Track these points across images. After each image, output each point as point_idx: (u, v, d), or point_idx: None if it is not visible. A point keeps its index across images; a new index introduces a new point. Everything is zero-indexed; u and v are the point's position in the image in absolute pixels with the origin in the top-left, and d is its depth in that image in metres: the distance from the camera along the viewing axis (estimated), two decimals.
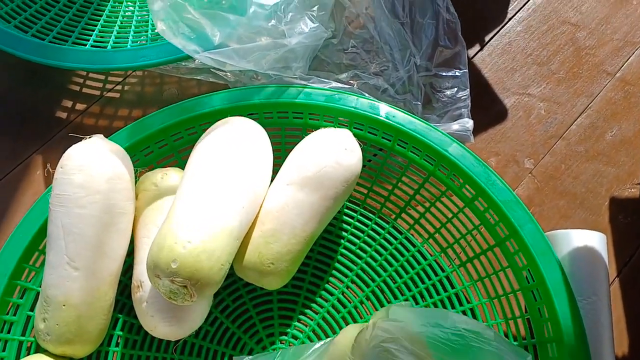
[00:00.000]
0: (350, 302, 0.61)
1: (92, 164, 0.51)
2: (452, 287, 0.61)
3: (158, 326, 0.52)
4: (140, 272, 0.53)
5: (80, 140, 0.53)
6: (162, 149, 0.61)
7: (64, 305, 0.51)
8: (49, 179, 0.68)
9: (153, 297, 0.52)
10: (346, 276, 0.62)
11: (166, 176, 0.57)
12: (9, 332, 0.55)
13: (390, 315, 0.46)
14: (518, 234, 0.56)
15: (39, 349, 0.54)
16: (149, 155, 0.61)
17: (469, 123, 0.63)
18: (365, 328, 0.46)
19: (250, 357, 0.54)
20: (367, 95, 0.61)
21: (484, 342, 0.45)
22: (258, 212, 0.55)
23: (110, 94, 0.73)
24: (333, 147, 0.55)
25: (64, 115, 0.72)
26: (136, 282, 0.53)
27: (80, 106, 0.72)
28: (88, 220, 0.51)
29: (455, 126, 0.63)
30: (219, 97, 0.61)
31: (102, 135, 0.54)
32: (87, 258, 0.51)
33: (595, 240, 0.58)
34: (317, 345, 0.51)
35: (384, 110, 0.60)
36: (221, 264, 0.48)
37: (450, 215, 0.62)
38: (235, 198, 0.51)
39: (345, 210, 0.64)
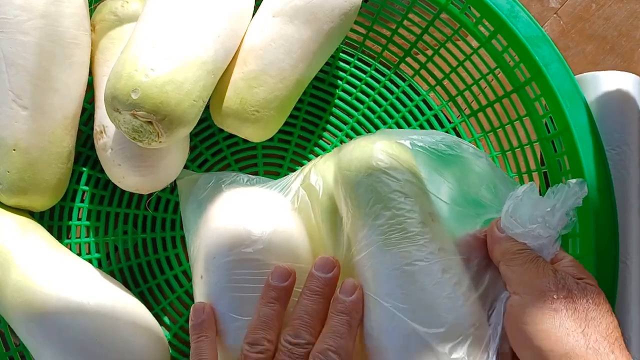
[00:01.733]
0: None
1: None
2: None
3: (127, 177, 0.45)
4: (103, 115, 0.45)
5: None
6: None
7: (14, 150, 0.43)
8: None
9: (119, 143, 0.44)
10: (340, 130, 0.54)
11: (127, 4, 0.47)
12: None
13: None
14: (542, 74, 0.47)
15: None
16: None
17: None
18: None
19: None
20: None
21: (474, 154, 0.40)
22: (238, 49, 0.46)
23: None
24: None
25: None
26: (98, 127, 0.46)
27: None
28: (32, 49, 0.42)
29: None
30: None
31: None
32: (35, 95, 0.43)
33: (628, 82, 0.50)
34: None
35: None
36: (193, 99, 0.40)
37: (462, 58, 0.53)
38: (208, 24, 0.42)
39: (341, 54, 0.55)
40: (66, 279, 0.42)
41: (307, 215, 0.41)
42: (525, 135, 0.50)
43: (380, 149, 0.39)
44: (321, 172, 0.41)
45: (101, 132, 0.45)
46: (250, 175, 0.47)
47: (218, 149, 0.53)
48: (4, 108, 0.42)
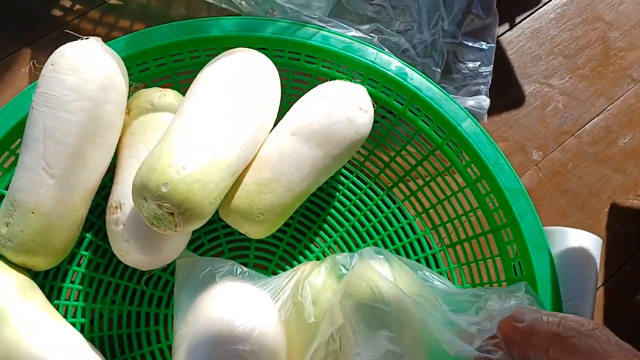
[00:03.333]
0: None
1: (88, 67, 0.46)
2: (437, 266, 0.58)
3: (132, 253, 0.48)
4: (122, 192, 0.49)
5: (76, 40, 0.48)
6: (159, 67, 0.56)
7: (32, 213, 0.46)
8: (33, 78, 0.63)
9: (132, 221, 0.47)
10: (330, 236, 0.59)
11: (164, 97, 0.52)
12: None
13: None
14: (517, 224, 0.52)
15: None
16: (145, 72, 0.56)
17: (486, 101, 0.59)
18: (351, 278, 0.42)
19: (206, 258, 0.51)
20: (387, 51, 0.57)
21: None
22: (254, 159, 0.51)
23: (114, 1, 0.66)
24: (348, 103, 0.51)
25: (59, 14, 0.65)
26: (115, 202, 0.49)
27: (79, 8, 0.66)
28: (74, 127, 0.46)
29: (470, 102, 0.59)
30: (230, 22, 0.56)
31: (99, 39, 0.49)
32: (65, 167, 0.47)
33: (591, 242, 0.55)
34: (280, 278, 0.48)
35: (403, 70, 0.56)
36: (213, 197, 0.44)
37: (449, 193, 0.58)
38: (238, 132, 0.47)
39: (342, 169, 0.60)
40: (53, 344, 0.44)
41: (291, 330, 0.44)
42: (495, 274, 0.55)
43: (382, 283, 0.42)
44: (314, 288, 0.45)
45: (116, 208, 0.48)
46: (244, 268, 0.51)
47: (215, 236, 0.57)
48: (32, 174, 0.46)
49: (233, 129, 0.46)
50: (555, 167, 0.65)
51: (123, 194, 0.48)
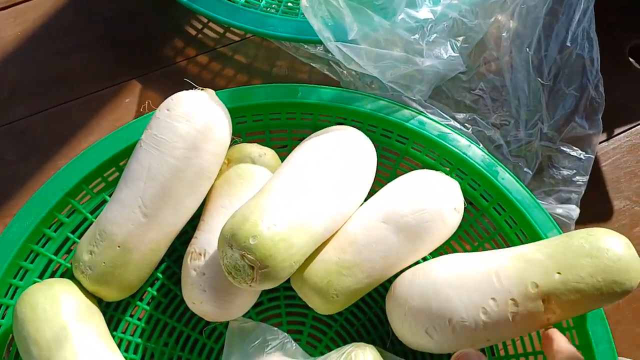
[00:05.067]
0: (399, 344, 0.56)
1: (200, 119, 0.49)
2: None
3: (205, 303, 0.49)
4: (208, 241, 0.50)
5: (191, 88, 0.51)
6: (256, 122, 0.59)
7: (118, 247, 0.48)
8: (133, 108, 0.66)
9: (212, 271, 0.49)
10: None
11: (264, 155, 0.55)
12: (43, 246, 0.53)
13: None
14: (591, 349, 0.50)
15: (67, 276, 0.51)
16: (241, 124, 0.58)
17: (576, 211, 0.58)
18: None
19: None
20: (481, 145, 0.57)
21: None
22: (337, 234, 0.52)
23: (222, 49, 0.71)
24: (445, 202, 0.51)
25: (171, 54, 0.70)
26: (199, 249, 0.50)
27: (190, 51, 0.70)
28: (177, 173, 0.49)
29: (559, 210, 0.58)
30: (331, 92, 0.58)
31: (213, 92, 0.51)
32: (160, 209, 0.49)
33: None
34: None
35: (495, 167, 0.56)
36: (294, 260, 0.45)
37: None
38: (329, 204, 0.48)
39: None
40: None
41: None
42: None
43: None
44: None
45: (200, 254, 0.50)
46: (294, 344, 0.51)
47: (275, 297, 0.57)
48: (127, 210, 0.48)
49: (325, 200, 0.48)
50: (636, 292, 0.62)
51: (209, 242, 0.50)
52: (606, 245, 0.45)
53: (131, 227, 0.48)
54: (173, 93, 0.51)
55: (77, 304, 0.48)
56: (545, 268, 0.45)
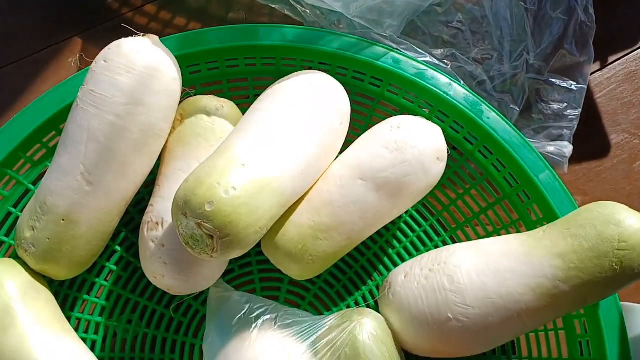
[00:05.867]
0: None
1: (143, 69, 0.43)
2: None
3: (167, 276, 0.45)
4: (165, 208, 0.46)
5: (132, 36, 0.45)
6: (211, 71, 0.54)
7: (63, 220, 0.44)
8: (74, 69, 0.61)
9: (173, 242, 0.44)
10: (372, 279, 0.54)
11: (223, 108, 0.49)
12: None
13: None
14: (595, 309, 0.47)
15: (12, 256, 0.47)
16: (195, 74, 0.53)
17: (568, 148, 0.54)
18: None
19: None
20: (462, 82, 0.52)
21: None
22: (310, 193, 0.47)
23: None
24: (426, 152, 0.47)
25: (115, 5, 0.64)
26: (155, 218, 0.46)
27: (136, 1, 0.64)
28: (121, 133, 0.43)
29: (551, 147, 0.54)
30: (293, 31, 0.52)
31: (157, 37, 0.46)
32: (105, 174, 0.44)
33: None
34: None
35: (479, 106, 0.52)
36: (259, 226, 0.41)
37: None
38: (297, 159, 0.44)
39: None
40: (61, 354, 0.41)
41: None
42: (557, 349, 0.49)
43: None
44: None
45: (157, 224, 0.45)
46: (282, 311, 0.47)
47: (247, 262, 0.54)
48: (68, 178, 0.43)
49: (293, 155, 0.43)
50: None
51: (166, 210, 0.45)
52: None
53: (75, 197, 0.43)
54: None
55: (21, 285, 0.44)
56: (573, 300, 0.41)
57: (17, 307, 0.42)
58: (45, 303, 0.45)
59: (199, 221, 0.38)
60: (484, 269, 0.42)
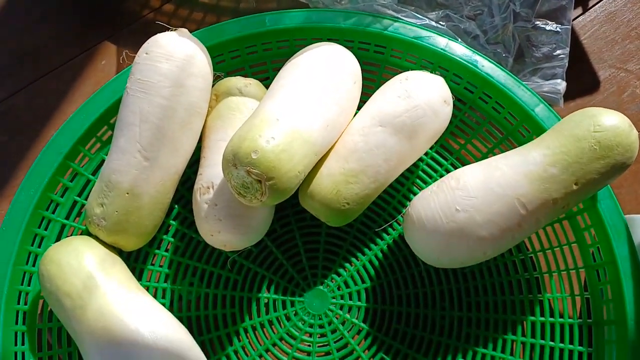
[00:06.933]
0: (406, 248, 0.60)
1: (180, 56, 0.51)
2: (511, 253, 0.59)
3: (223, 231, 0.52)
4: (213, 174, 0.53)
5: (164, 31, 0.53)
6: (234, 59, 0.61)
7: (127, 194, 0.52)
8: (110, 69, 0.69)
9: (224, 200, 0.52)
10: (400, 223, 0.62)
11: (250, 85, 0.57)
12: (53, 212, 0.56)
13: None
14: (595, 208, 0.54)
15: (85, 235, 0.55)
16: (220, 64, 0.61)
17: (562, 85, 0.61)
18: None
19: None
20: (458, 39, 0.59)
21: None
22: (336, 146, 0.54)
23: None
24: (433, 96, 0.54)
25: (136, 8, 0.71)
26: (206, 183, 0.53)
27: (155, 2, 0.72)
28: (167, 113, 0.51)
29: (546, 87, 0.61)
30: (301, 14, 0.60)
31: (187, 30, 0.54)
32: (159, 150, 0.52)
33: None
34: None
35: (474, 57, 0.59)
36: (298, 171, 0.48)
37: None
38: (322, 114, 0.51)
39: None
40: (142, 313, 0.48)
41: None
42: (572, 261, 0.56)
43: None
44: None
45: (208, 188, 0.53)
46: None
47: (287, 222, 0.61)
48: (127, 156, 0.51)
49: (317, 111, 0.50)
50: None
51: (214, 175, 0.53)
52: (616, 141, 0.48)
53: (135, 172, 0.51)
54: None
55: (99, 255, 0.51)
56: (564, 182, 0.48)
57: (98, 273, 0.49)
58: (121, 269, 0.52)
59: (248, 168, 0.46)
60: (485, 168, 0.50)
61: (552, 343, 0.55)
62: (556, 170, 0.48)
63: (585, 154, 0.48)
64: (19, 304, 0.53)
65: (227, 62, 0.61)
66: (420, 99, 0.53)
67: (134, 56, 0.52)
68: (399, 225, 0.62)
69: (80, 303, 0.48)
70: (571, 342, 0.55)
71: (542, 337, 0.56)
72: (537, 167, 0.48)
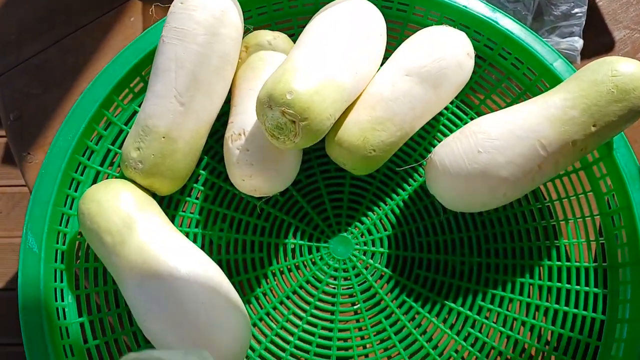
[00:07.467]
0: (427, 197, 0.63)
1: (214, 5, 0.54)
2: (528, 202, 0.62)
3: (254, 176, 0.54)
4: (243, 121, 0.56)
5: None
6: (261, 16, 0.64)
7: (163, 137, 0.54)
8: (138, 25, 0.71)
9: (256, 146, 0.54)
10: (422, 176, 0.64)
11: (278, 38, 0.60)
12: (89, 159, 0.59)
13: None
14: (611, 156, 0.57)
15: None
16: (248, 20, 0.63)
17: (579, 42, 0.63)
18: None
19: None
20: None
21: None
22: (363, 96, 0.57)
23: None
24: (457, 48, 0.57)
25: None
26: (238, 130, 0.56)
27: None
28: (202, 59, 0.54)
29: (563, 44, 0.63)
30: None
31: None
32: (194, 95, 0.54)
33: None
34: None
35: (494, 14, 0.61)
36: (329, 114, 0.50)
37: None
38: (351, 62, 0.53)
39: None
40: (179, 249, 0.51)
41: None
42: (588, 208, 0.59)
43: None
44: None
45: (239, 135, 0.55)
46: None
47: (312, 173, 0.64)
48: (164, 101, 0.54)
49: (346, 59, 0.53)
50: None
51: (245, 122, 0.55)
52: (633, 85, 0.50)
53: (171, 116, 0.54)
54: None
55: (136, 195, 0.54)
56: (583, 125, 0.51)
57: (136, 212, 0.52)
58: (156, 210, 0.55)
59: (283, 109, 0.48)
60: (506, 114, 0.53)
61: (568, 285, 0.58)
62: (576, 113, 0.51)
63: (604, 97, 0.50)
64: (57, 243, 0.56)
65: (254, 19, 0.64)
66: (445, 50, 0.56)
67: (165, 8, 0.55)
68: (420, 176, 0.64)
69: (120, 239, 0.51)
70: (587, 284, 0.58)
71: (559, 280, 0.59)
72: (558, 110, 0.51)
